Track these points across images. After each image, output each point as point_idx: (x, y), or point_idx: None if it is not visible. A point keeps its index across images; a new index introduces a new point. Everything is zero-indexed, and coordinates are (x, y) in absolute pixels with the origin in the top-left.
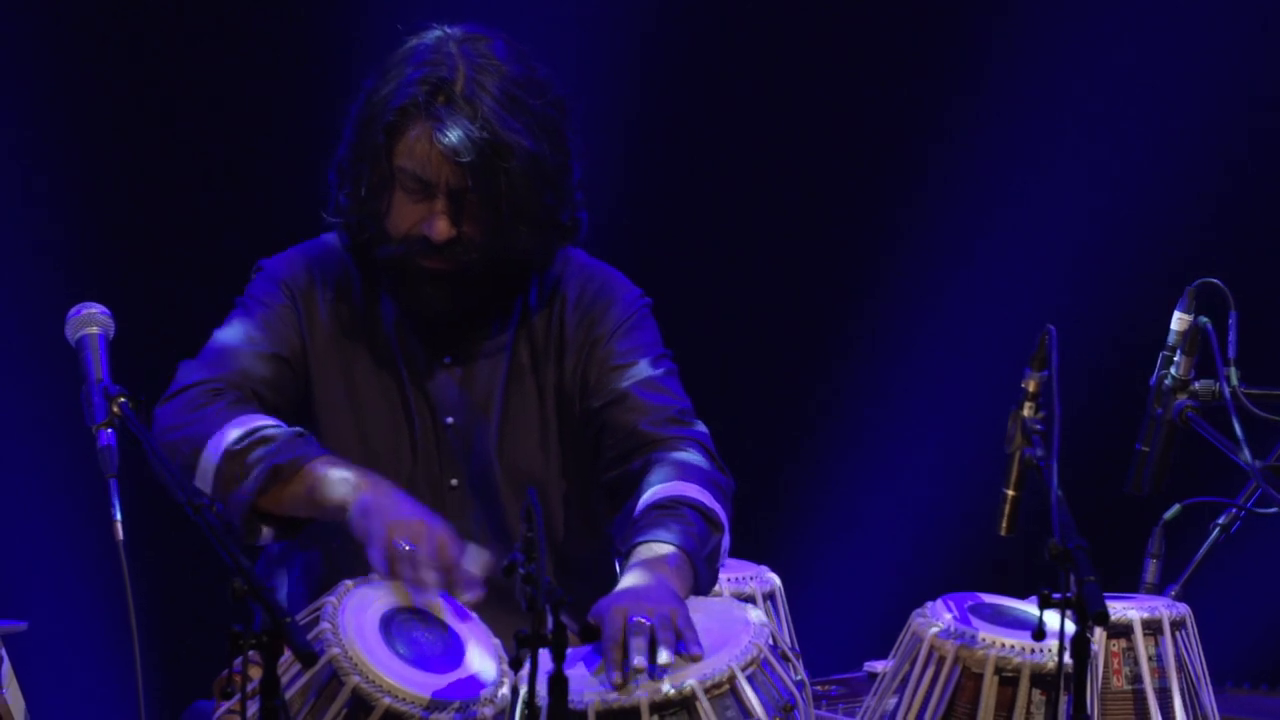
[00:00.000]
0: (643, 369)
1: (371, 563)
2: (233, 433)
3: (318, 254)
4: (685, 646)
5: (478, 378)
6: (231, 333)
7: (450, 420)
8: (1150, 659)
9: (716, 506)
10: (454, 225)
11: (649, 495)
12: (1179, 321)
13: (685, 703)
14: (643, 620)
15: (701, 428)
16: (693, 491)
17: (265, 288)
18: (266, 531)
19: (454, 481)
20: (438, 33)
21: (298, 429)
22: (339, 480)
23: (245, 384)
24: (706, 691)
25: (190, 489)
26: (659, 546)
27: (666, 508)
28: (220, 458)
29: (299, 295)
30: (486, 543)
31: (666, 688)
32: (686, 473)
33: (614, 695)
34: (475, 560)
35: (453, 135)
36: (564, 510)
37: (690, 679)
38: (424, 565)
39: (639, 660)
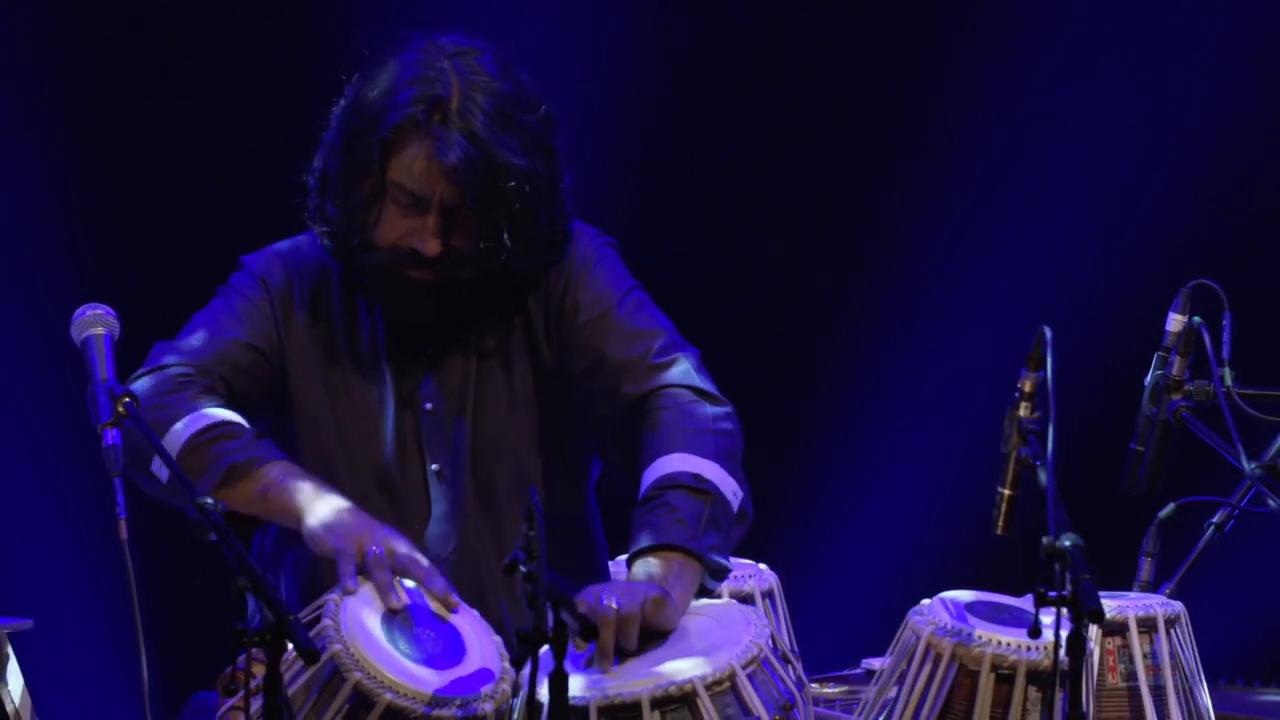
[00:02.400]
0: (611, 317)
1: (341, 577)
2: (195, 425)
3: (297, 251)
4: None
5: (454, 364)
6: (208, 318)
7: (429, 406)
8: (1145, 656)
9: (702, 465)
10: (444, 241)
11: (641, 491)
12: (1174, 322)
13: (686, 699)
14: (612, 603)
15: (680, 364)
16: (672, 465)
17: (245, 281)
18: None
19: (435, 466)
20: (424, 44)
21: (259, 429)
22: (294, 489)
23: (216, 370)
24: (708, 688)
25: (194, 488)
26: (650, 558)
27: (650, 501)
28: (181, 450)
29: (275, 292)
30: (474, 525)
31: (667, 683)
32: (663, 440)
33: (615, 690)
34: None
35: (453, 155)
36: (544, 478)
37: (691, 675)
38: (398, 571)
39: (599, 661)
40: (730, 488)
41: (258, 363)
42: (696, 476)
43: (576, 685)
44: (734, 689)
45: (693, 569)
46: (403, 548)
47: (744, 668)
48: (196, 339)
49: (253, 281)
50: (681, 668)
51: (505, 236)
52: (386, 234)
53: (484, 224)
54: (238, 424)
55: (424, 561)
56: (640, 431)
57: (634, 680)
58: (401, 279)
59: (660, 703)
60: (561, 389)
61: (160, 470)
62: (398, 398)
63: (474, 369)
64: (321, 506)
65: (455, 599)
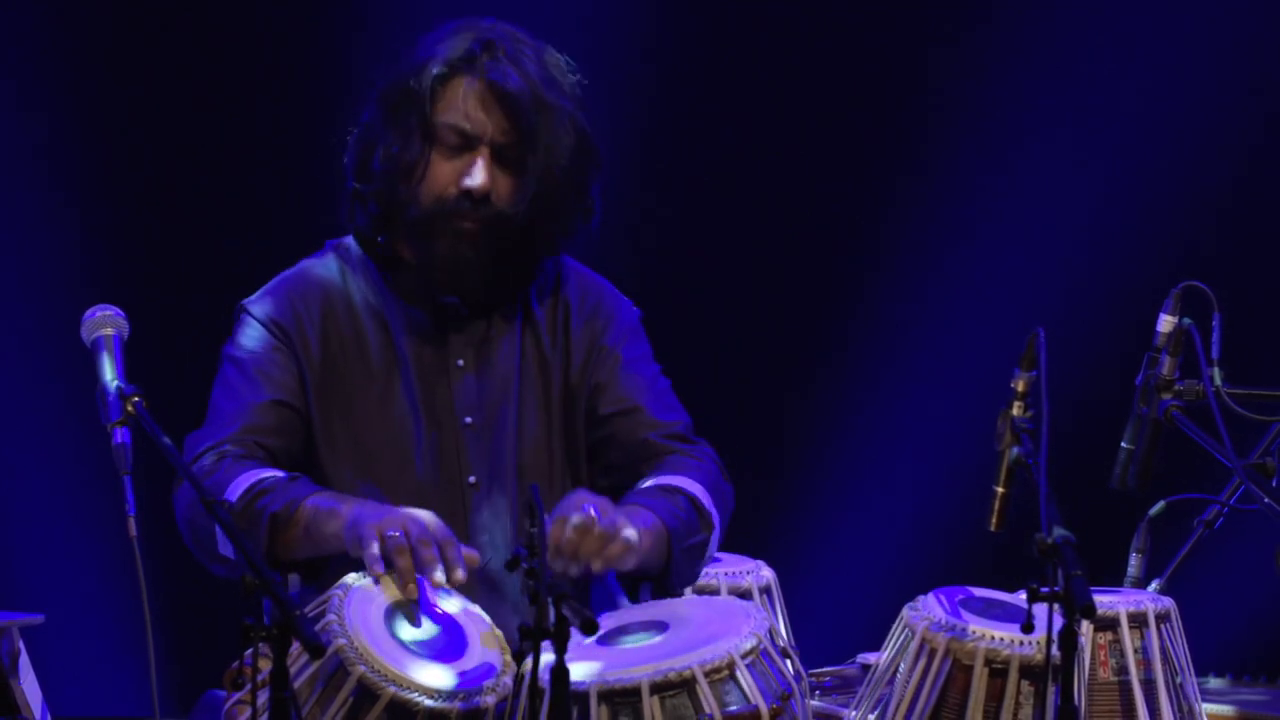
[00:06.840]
0: (650, 381)
1: (368, 564)
2: (233, 495)
3: (298, 284)
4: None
5: (491, 379)
6: (225, 393)
7: (469, 420)
8: (1136, 651)
9: (713, 508)
10: (492, 178)
11: (650, 481)
12: (1164, 323)
13: (685, 685)
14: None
15: (707, 446)
16: (693, 487)
17: (252, 333)
18: (293, 578)
19: (472, 479)
20: (455, 21)
21: (293, 474)
22: (329, 514)
23: (248, 438)
24: (706, 675)
25: (204, 486)
26: (641, 510)
27: (662, 491)
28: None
29: (289, 330)
30: (504, 532)
31: (667, 669)
32: (691, 473)
33: (615, 676)
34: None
35: (511, 83)
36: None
37: (691, 662)
38: (418, 544)
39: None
40: (714, 546)
41: (288, 417)
42: (709, 512)
43: (577, 671)
44: (733, 677)
45: (663, 555)
46: (418, 526)
47: (743, 657)
48: (221, 415)
49: (260, 329)
50: (682, 655)
51: (556, 177)
52: (434, 182)
53: (533, 161)
54: (271, 477)
55: (440, 535)
56: (668, 459)
57: (634, 666)
58: (449, 231)
59: (660, 688)
60: (580, 413)
61: (225, 548)
62: (430, 412)
63: (514, 384)
64: (348, 512)
65: (461, 574)
